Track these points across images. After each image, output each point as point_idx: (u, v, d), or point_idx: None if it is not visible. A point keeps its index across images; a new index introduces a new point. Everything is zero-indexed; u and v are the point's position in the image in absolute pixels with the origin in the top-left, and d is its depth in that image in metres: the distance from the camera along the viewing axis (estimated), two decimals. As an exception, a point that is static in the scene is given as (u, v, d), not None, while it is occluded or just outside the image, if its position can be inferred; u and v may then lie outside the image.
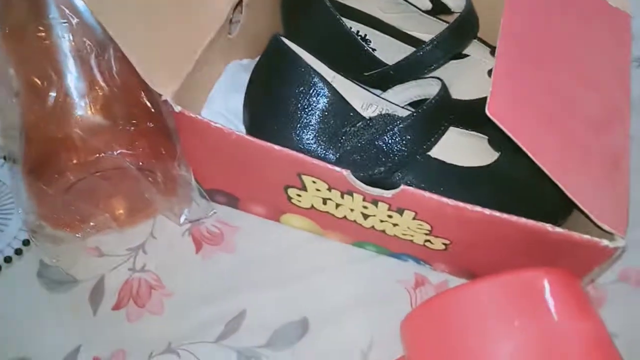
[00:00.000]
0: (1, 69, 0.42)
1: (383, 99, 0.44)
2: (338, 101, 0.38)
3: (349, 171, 0.36)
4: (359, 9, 0.51)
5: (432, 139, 0.39)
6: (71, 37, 0.42)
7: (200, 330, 0.42)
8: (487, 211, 0.34)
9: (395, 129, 0.38)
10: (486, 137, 0.43)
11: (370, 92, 0.44)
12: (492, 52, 0.49)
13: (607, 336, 0.33)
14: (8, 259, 0.45)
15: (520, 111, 0.34)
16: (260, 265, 0.45)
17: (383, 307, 0.43)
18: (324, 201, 0.40)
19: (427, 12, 0.50)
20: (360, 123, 0.38)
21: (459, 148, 0.42)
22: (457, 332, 0.32)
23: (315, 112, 0.38)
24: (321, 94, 0.38)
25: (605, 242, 0.33)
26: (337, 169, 0.36)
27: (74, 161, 0.39)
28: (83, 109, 0.40)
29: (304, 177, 0.38)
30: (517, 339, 0.31)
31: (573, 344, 0.31)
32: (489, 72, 0.47)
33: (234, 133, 0.36)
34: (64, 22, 0.42)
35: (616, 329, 0.42)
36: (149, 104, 0.42)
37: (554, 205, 0.40)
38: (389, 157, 0.38)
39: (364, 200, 0.37)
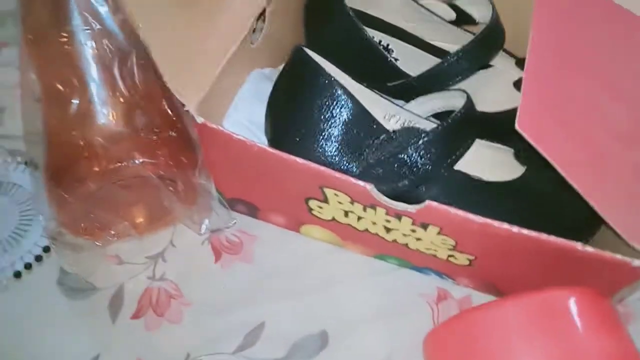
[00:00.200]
0: (24, 74, 0.42)
1: (406, 110, 0.43)
2: (361, 113, 0.38)
3: (372, 185, 0.35)
4: (381, 18, 0.50)
5: (457, 153, 0.38)
6: (94, 44, 0.41)
7: (219, 341, 0.42)
8: (514, 228, 0.33)
9: (420, 142, 0.37)
10: (511, 149, 0.42)
11: (393, 102, 0.43)
12: (517, 63, 0.48)
13: (637, 357, 0.32)
14: (28, 266, 0.45)
15: (550, 126, 0.33)
16: (280, 275, 0.44)
17: (404, 321, 0.42)
18: (346, 214, 0.39)
19: (451, 22, 0.49)
20: (383, 136, 0.38)
21: (484, 161, 0.41)
22: (481, 351, 0.32)
23: (339, 124, 0.38)
24: (344, 106, 0.37)
25: (637, 262, 0.32)
26: (361, 183, 0.35)
27: (95, 169, 0.39)
28: (105, 117, 0.40)
29: (326, 190, 0.37)
30: (545, 357, 0.30)
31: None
32: (515, 84, 0.46)
33: (256, 145, 0.36)
34: (87, 29, 0.42)
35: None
36: (170, 112, 0.42)
37: (581, 221, 0.39)
38: (412, 171, 0.37)
39: (387, 214, 0.37)
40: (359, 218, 0.39)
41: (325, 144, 0.38)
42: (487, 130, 0.42)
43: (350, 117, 0.37)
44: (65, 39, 0.41)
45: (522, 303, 0.32)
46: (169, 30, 0.38)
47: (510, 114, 0.32)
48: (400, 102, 0.44)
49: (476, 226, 0.34)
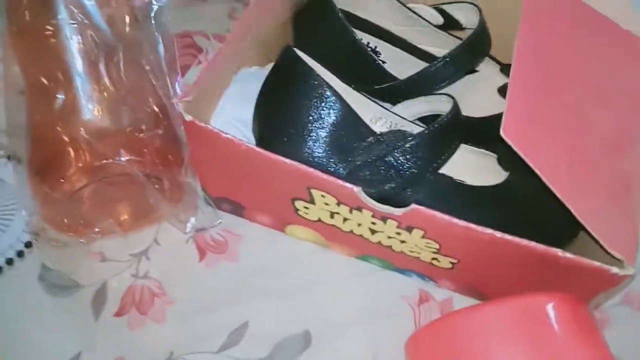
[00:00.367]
0: (7, 66, 0.42)
1: (392, 113, 0.43)
2: (349, 115, 0.38)
3: (359, 188, 0.35)
4: (370, 20, 0.50)
5: (443, 157, 0.39)
6: (79, 38, 0.41)
7: (202, 340, 0.42)
8: (497, 233, 0.34)
9: (407, 145, 0.37)
10: (495, 155, 0.42)
11: (380, 105, 0.44)
12: (502, 69, 0.48)
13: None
14: (9, 261, 0.44)
15: (534, 133, 0.34)
16: (264, 275, 0.45)
17: (386, 323, 0.43)
18: (332, 215, 0.39)
19: (438, 26, 0.49)
20: (371, 138, 0.38)
21: (468, 165, 0.42)
22: (461, 355, 0.32)
23: (326, 126, 0.38)
24: (333, 108, 0.37)
25: (615, 269, 0.33)
26: (348, 185, 0.35)
27: (80, 166, 0.38)
28: (90, 112, 0.40)
29: (313, 191, 0.37)
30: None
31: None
32: (499, 90, 0.47)
33: (244, 144, 0.36)
34: (73, 23, 0.41)
35: (619, 352, 0.42)
36: (157, 109, 0.41)
37: (561, 227, 0.39)
38: (399, 174, 0.38)
39: (372, 216, 0.37)
40: (345, 219, 0.39)
41: (313, 145, 0.38)
42: (472, 135, 0.42)
43: (338, 119, 0.38)
44: (50, 32, 0.41)
45: (502, 308, 0.32)
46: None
47: (494, 120, 0.33)
48: (387, 105, 0.45)
49: (460, 230, 0.35)
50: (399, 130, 0.38)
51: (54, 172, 0.39)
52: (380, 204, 0.36)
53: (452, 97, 0.41)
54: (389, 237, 0.39)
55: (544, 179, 0.32)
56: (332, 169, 0.38)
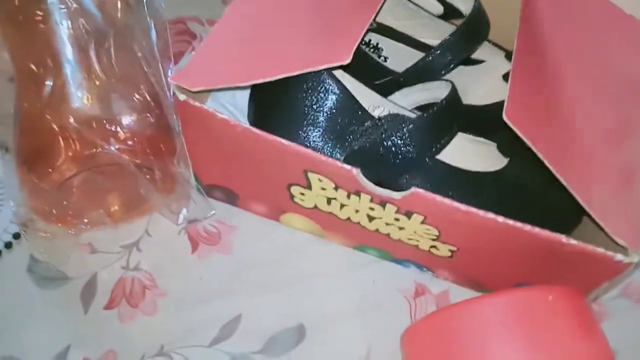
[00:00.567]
0: (-4, 52, 0.41)
1: (390, 101, 0.42)
2: (347, 99, 0.37)
3: (358, 170, 0.34)
4: None
5: (442, 142, 0.38)
6: (69, 24, 0.40)
7: (194, 333, 0.41)
8: (500, 219, 0.33)
9: (405, 129, 0.36)
10: (495, 143, 0.42)
11: (377, 93, 0.43)
12: (507, 56, 0.48)
13: (611, 356, 0.32)
14: (-3, 253, 0.43)
15: (536, 118, 0.33)
16: (258, 267, 0.44)
17: (382, 316, 0.42)
18: (329, 201, 0.39)
19: (439, 16, 0.49)
20: (368, 122, 0.37)
21: (468, 154, 0.41)
22: (457, 349, 0.32)
23: (323, 110, 0.37)
24: (330, 91, 0.37)
25: (619, 256, 0.32)
26: (347, 167, 0.34)
27: (69, 155, 0.37)
28: (80, 100, 0.39)
29: (310, 175, 0.36)
30: (520, 357, 0.30)
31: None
32: (504, 76, 0.46)
33: (240, 125, 0.35)
34: (63, 8, 0.40)
35: (617, 345, 0.41)
36: (149, 97, 0.41)
37: (562, 215, 0.39)
38: (397, 158, 0.37)
39: (371, 201, 0.36)
40: (342, 206, 0.38)
41: (309, 130, 0.37)
42: (472, 125, 0.42)
43: (335, 103, 0.37)
44: (40, 18, 0.40)
45: (499, 301, 0.32)
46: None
47: (496, 107, 0.32)
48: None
49: (461, 215, 0.34)
50: (397, 114, 0.37)
51: (43, 161, 0.38)
52: (379, 187, 0.35)
53: (451, 82, 0.40)
54: (387, 224, 0.38)
55: (546, 162, 0.32)
56: (329, 154, 0.38)
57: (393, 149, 0.37)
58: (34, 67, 0.39)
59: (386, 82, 0.44)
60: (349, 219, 0.40)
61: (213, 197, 0.45)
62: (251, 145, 0.36)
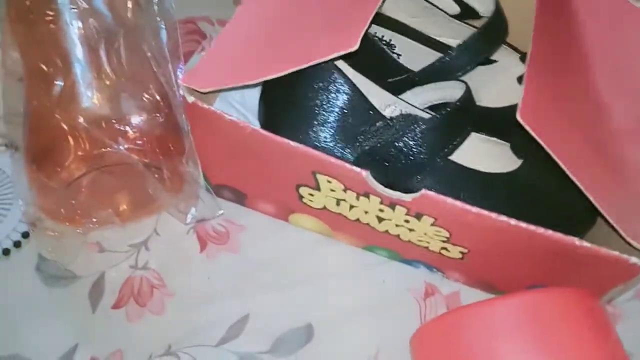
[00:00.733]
0: (6, 52, 0.41)
1: (402, 100, 0.42)
2: (358, 99, 0.37)
3: (368, 172, 0.34)
4: (384, 13, 0.49)
5: (455, 143, 0.38)
6: (80, 24, 0.40)
7: (201, 333, 0.41)
8: (512, 221, 0.33)
9: (417, 130, 0.36)
10: (508, 144, 0.41)
11: (389, 92, 0.42)
12: (522, 58, 0.47)
13: (625, 357, 0.31)
14: (6, 252, 0.43)
15: (551, 119, 0.33)
16: (266, 267, 0.43)
17: (391, 316, 0.42)
18: (338, 202, 0.38)
19: (454, 16, 0.48)
20: (380, 122, 0.37)
21: (481, 154, 0.40)
22: (468, 351, 0.31)
23: (334, 109, 0.37)
24: (341, 91, 0.36)
25: (634, 259, 0.32)
26: (356, 169, 0.34)
27: (78, 155, 0.37)
28: (89, 100, 0.38)
29: (319, 177, 0.36)
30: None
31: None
32: (519, 79, 0.46)
33: (249, 127, 0.35)
34: (73, 8, 0.40)
35: (631, 347, 0.41)
36: (158, 97, 0.40)
37: (576, 216, 0.38)
38: (408, 159, 0.36)
39: (381, 203, 0.36)
40: (351, 207, 0.38)
41: (320, 129, 0.37)
42: (488, 125, 0.41)
43: (346, 103, 0.36)
44: (50, 18, 0.40)
45: (511, 303, 0.31)
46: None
47: (510, 110, 0.32)
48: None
49: (472, 217, 0.33)
50: (409, 114, 0.37)
51: (52, 160, 0.38)
52: (389, 189, 0.35)
53: (465, 82, 0.40)
54: (397, 226, 0.38)
55: (560, 164, 0.31)
56: (340, 154, 0.37)
57: (405, 149, 0.36)
58: (43, 67, 0.39)
59: (401, 80, 0.44)
60: (358, 219, 0.39)
61: (222, 197, 0.45)
62: (259, 147, 0.36)
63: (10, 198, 0.46)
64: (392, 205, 0.36)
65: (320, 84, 0.36)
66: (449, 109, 0.37)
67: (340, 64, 0.40)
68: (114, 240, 0.44)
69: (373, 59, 0.44)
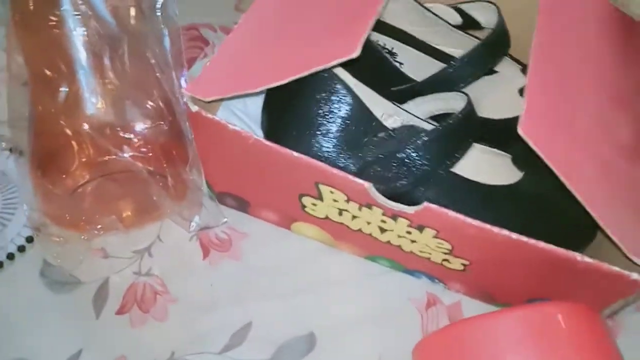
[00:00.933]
0: (11, 56, 0.41)
1: (404, 110, 0.42)
2: (360, 109, 0.37)
3: (370, 184, 0.34)
4: (386, 21, 0.49)
5: (457, 155, 0.38)
6: (84, 30, 0.40)
7: (204, 340, 0.41)
8: (514, 235, 0.33)
9: (419, 141, 0.36)
10: (510, 155, 0.41)
11: (391, 102, 0.42)
12: (523, 70, 0.47)
13: None
14: (11, 256, 0.43)
15: (553, 132, 0.33)
16: (268, 274, 0.44)
17: (392, 326, 0.42)
18: (340, 212, 0.38)
19: (457, 26, 0.48)
20: (382, 133, 0.37)
21: (482, 165, 0.40)
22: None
23: (337, 120, 0.37)
24: (343, 101, 0.36)
25: (635, 275, 0.32)
26: (359, 180, 0.34)
27: (83, 161, 0.37)
28: (94, 106, 0.39)
29: (322, 187, 0.36)
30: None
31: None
32: (520, 91, 0.46)
33: (252, 137, 0.35)
34: (77, 14, 0.41)
35: (634, 356, 0.41)
36: (162, 104, 0.40)
37: (578, 229, 0.38)
38: (411, 171, 0.37)
39: (383, 214, 0.36)
40: (354, 217, 0.38)
41: (323, 140, 0.37)
42: (489, 137, 0.41)
43: (349, 113, 0.37)
44: (54, 23, 0.40)
45: (512, 317, 0.31)
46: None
47: (512, 122, 0.32)
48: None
49: (474, 230, 0.33)
50: (411, 126, 0.37)
51: (56, 166, 0.38)
52: (391, 201, 0.35)
53: (466, 94, 0.40)
54: (399, 237, 0.38)
55: (562, 178, 0.31)
56: (342, 165, 0.37)
57: (407, 161, 0.36)
58: (48, 72, 0.39)
59: (404, 90, 0.44)
60: (360, 230, 0.39)
61: (225, 204, 0.45)
62: (262, 156, 0.36)
63: (14, 202, 0.46)
64: (395, 216, 0.36)
65: (323, 94, 0.37)
66: (450, 121, 0.37)
67: (343, 73, 0.40)
68: (117, 247, 0.44)
69: (375, 68, 0.44)
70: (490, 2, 0.46)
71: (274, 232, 0.45)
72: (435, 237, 0.36)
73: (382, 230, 0.38)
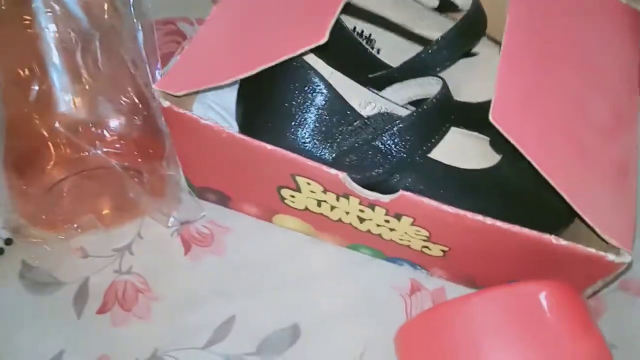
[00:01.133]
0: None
1: (382, 97, 0.42)
2: (335, 99, 0.36)
3: (345, 174, 0.34)
4: (362, 6, 0.49)
5: (433, 140, 0.37)
6: (55, 28, 0.40)
7: (187, 336, 0.41)
8: (488, 220, 0.33)
9: (395, 129, 0.36)
10: (488, 138, 0.41)
11: (369, 89, 0.42)
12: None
13: (608, 353, 0.31)
14: (-11, 259, 0.43)
15: (526, 117, 0.33)
16: (251, 268, 0.43)
17: (377, 314, 0.42)
18: (319, 203, 0.38)
19: (434, 9, 0.48)
20: (357, 122, 0.37)
21: (460, 149, 0.40)
22: (451, 346, 0.31)
23: (311, 110, 0.36)
24: (317, 91, 0.36)
25: (611, 256, 0.32)
26: (333, 171, 0.34)
27: (57, 160, 0.37)
28: (67, 104, 0.38)
29: (298, 179, 0.36)
30: (513, 355, 0.30)
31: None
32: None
33: (225, 131, 0.35)
34: (48, 12, 0.40)
35: (615, 339, 0.41)
36: (136, 99, 0.40)
37: (556, 212, 0.38)
38: (387, 159, 0.36)
39: (360, 204, 0.36)
40: (332, 207, 0.38)
41: (297, 130, 0.37)
42: (467, 120, 0.41)
43: (323, 103, 0.36)
44: (24, 21, 0.40)
45: (493, 297, 0.31)
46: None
47: (489, 105, 0.31)
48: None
49: (450, 217, 0.33)
50: (386, 113, 0.36)
51: (31, 166, 0.38)
52: (367, 190, 0.34)
53: (442, 79, 0.39)
54: (378, 225, 0.38)
55: (535, 164, 0.31)
56: (318, 155, 0.37)
57: (383, 148, 0.36)
58: (19, 72, 0.39)
59: (381, 76, 0.44)
60: (340, 220, 0.39)
61: (206, 200, 0.45)
62: (237, 150, 0.36)
63: (-9, 205, 0.45)
64: (372, 205, 0.35)
65: (297, 84, 0.36)
66: (425, 107, 0.36)
67: (318, 62, 0.40)
68: (97, 245, 0.44)
69: (351, 56, 0.43)
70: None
71: (255, 226, 0.45)
72: (413, 224, 0.36)
73: (361, 219, 0.38)
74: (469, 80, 0.45)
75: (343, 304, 0.42)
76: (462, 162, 0.39)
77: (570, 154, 0.33)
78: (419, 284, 0.43)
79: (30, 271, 0.43)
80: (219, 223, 0.45)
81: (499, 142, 0.39)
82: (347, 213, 0.38)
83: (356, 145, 0.37)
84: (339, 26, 0.43)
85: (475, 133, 0.42)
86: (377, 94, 0.42)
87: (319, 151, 0.37)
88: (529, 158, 0.31)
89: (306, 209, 0.40)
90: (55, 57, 0.39)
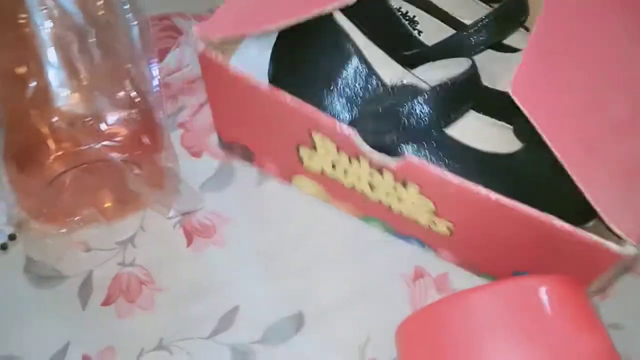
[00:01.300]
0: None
1: (414, 75, 0.42)
2: (363, 65, 0.37)
3: (355, 131, 0.34)
4: None
5: (452, 116, 0.37)
6: (50, 24, 0.40)
7: (192, 326, 0.41)
8: (492, 195, 0.32)
9: (416, 99, 0.36)
10: (510, 126, 0.41)
11: (400, 65, 0.43)
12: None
13: (612, 350, 0.31)
14: (-7, 254, 0.43)
15: (545, 100, 0.32)
16: (253, 257, 0.43)
17: (381, 302, 0.42)
18: (333, 165, 0.39)
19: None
20: (381, 89, 0.37)
21: (482, 134, 0.40)
22: (452, 343, 0.31)
23: (339, 73, 0.37)
24: (348, 57, 0.37)
25: (614, 246, 0.31)
26: (345, 126, 0.34)
27: (56, 154, 0.37)
28: (64, 99, 0.38)
29: (315, 136, 0.36)
30: (515, 352, 0.29)
31: (574, 357, 0.29)
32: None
33: (251, 79, 0.35)
34: (44, 9, 0.40)
35: (620, 319, 0.41)
36: (132, 93, 0.40)
37: (574, 208, 0.37)
38: (404, 127, 0.36)
39: (370, 166, 0.36)
40: (345, 171, 0.38)
41: (322, 92, 0.37)
42: (492, 107, 0.41)
43: (351, 67, 0.37)
44: (20, 19, 0.40)
45: (494, 292, 0.31)
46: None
47: None
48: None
49: (454, 188, 0.33)
50: (410, 84, 0.37)
51: (31, 160, 0.38)
52: (375, 150, 0.35)
53: (472, 59, 0.40)
54: (387, 194, 0.38)
55: (550, 145, 0.31)
56: (339, 116, 0.38)
57: (402, 117, 0.36)
58: (16, 69, 0.39)
59: (413, 55, 0.44)
60: (353, 187, 0.39)
61: (232, 154, 0.46)
62: (262, 102, 0.36)
63: (-6, 201, 0.46)
64: (380, 169, 0.36)
65: (329, 49, 0.37)
66: (448, 82, 0.37)
67: (355, 32, 0.40)
68: (100, 239, 0.44)
69: (389, 31, 0.44)
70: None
71: (257, 216, 0.45)
72: (420, 193, 0.36)
73: (372, 187, 0.38)
74: (503, 73, 0.45)
75: (346, 291, 0.42)
76: (481, 145, 0.39)
77: (586, 143, 0.33)
78: (423, 270, 0.43)
79: (34, 265, 0.43)
80: (221, 214, 0.45)
81: (523, 130, 0.39)
82: (359, 179, 0.38)
83: (377, 111, 0.37)
84: (383, 3, 0.44)
85: (500, 122, 0.42)
86: (409, 71, 0.43)
87: (340, 113, 0.38)
88: (544, 137, 0.31)
89: (322, 172, 0.40)
90: (51, 53, 0.39)
